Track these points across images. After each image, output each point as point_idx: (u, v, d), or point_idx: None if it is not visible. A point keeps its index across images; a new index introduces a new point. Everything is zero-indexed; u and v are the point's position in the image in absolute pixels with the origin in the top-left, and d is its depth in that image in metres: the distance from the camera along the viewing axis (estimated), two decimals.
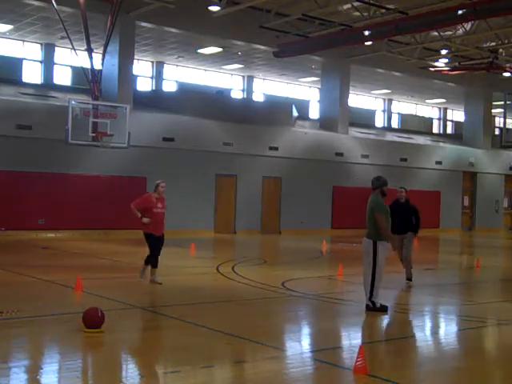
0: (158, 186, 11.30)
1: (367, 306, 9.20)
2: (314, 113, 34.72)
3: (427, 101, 40.83)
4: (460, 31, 25.45)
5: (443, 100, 40.13)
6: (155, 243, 11.26)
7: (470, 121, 34.94)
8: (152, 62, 30.86)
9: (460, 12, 20.67)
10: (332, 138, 28.32)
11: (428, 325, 9.15)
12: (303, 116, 31.31)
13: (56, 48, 27.91)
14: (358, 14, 23.31)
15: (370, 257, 9.17)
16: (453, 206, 32.96)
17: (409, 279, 12.30)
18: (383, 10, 22.57)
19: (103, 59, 20.39)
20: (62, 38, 25.13)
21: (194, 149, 24.14)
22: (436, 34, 25.59)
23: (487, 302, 10.82)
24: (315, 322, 8.99)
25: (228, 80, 33.29)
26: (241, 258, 16.65)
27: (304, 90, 36.18)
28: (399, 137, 33.26)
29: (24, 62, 27.52)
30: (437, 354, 7.34)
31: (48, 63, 27.90)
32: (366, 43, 25.35)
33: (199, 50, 28.02)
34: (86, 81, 20.13)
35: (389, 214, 9.43)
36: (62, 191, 21.56)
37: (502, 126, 35.69)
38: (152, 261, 11.26)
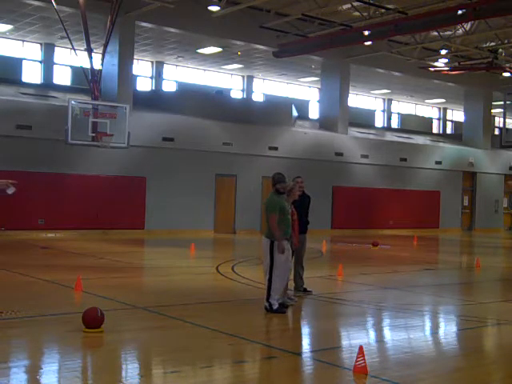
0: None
1: (265, 307, 8.94)
2: (314, 113, 34.73)
3: (427, 101, 40.84)
4: (460, 31, 25.47)
5: (443, 100, 40.14)
6: None
7: (469, 121, 34.94)
8: (152, 62, 30.87)
9: (460, 12, 20.71)
10: (332, 137, 28.32)
11: (428, 325, 9.14)
12: (303, 116, 31.31)
13: (56, 48, 27.94)
14: (357, 14, 23.32)
15: (267, 257, 8.96)
16: (453, 205, 32.97)
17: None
18: (383, 10, 22.60)
19: (103, 59, 20.42)
20: (62, 37, 25.15)
21: (193, 149, 24.14)
22: (436, 33, 25.61)
23: (487, 302, 10.82)
24: (315, 322, 8.99)
25: (228, 80, 33.30)
26: (240, 258, 16.64)
27: (304, 90, 36.19)
28: (399, 137, 33.25)
29: (24, 61, 27.54)
30: (436, 353, 7.33)
31: (48, 63, 27.92)
32: (366, 43, 25.35)
33: (199, 50, 28.03)
34: (86, 81, 20.16)
35: (285, 211, 9.01)
36: (62, 191, 21.56)
37: (501, 125, 35.72)
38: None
